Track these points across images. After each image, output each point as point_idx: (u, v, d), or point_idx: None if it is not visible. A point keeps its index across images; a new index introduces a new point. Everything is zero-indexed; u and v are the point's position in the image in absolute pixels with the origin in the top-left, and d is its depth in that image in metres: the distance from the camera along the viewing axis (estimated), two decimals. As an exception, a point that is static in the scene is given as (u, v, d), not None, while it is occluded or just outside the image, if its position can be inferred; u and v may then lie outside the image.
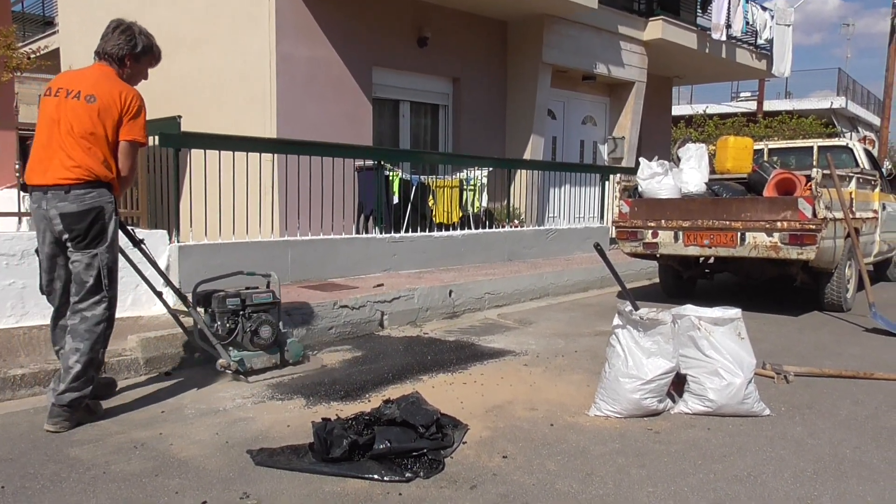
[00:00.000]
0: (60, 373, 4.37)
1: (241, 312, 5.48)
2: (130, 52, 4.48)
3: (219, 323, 5.46)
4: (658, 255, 8.83)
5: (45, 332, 6.03)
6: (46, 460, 3.77)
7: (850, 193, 8.37)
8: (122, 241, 4.77)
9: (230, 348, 5.36)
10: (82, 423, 4.33)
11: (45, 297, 4.63)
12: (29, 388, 4.89)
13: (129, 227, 5.06)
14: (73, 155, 4.27)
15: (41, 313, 6.38)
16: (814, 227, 7.35)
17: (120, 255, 4.75)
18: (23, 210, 8.41)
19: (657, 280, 9.95)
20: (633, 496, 3.36)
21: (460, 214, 11.13)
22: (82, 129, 4.27)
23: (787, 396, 4.98)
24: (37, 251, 4.55)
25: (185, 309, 5.37)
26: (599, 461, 3.78)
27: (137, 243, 4.98)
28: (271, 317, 5.56)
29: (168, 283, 5.22)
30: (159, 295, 5.23)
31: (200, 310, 5.49)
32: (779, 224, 7.55)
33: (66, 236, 4.33)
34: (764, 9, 17.66)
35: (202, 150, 7.86)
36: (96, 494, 3.35)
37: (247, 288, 5.68)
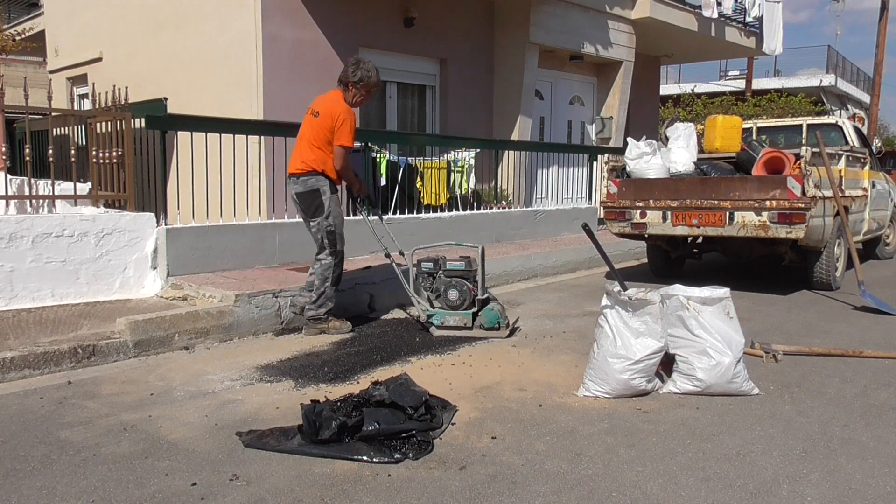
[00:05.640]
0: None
1: (435, 275, 6.46)
2: (350, 79, 6.15)
3: (417, 282, 6.55)
4: (646, 236, 8.83)
5: (35, 314, 6.06)
6: (37, 442, 3.76)
7: (840, 171, 8.39)
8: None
9: (429, 304, 6.46)
10: (325, 333, 6.19)
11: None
12: (18, 371, 4.87)
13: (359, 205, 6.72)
14: (304, 154, 6.12)
15: (30, 296, 6.38)
16: (803, 205, 7.36)
17: (365, 222, 6.77)
18: (10, 193, 8.37)
19: (646, 260, 9.96)
20: (622, 476, 3.37)
21: (448, 196, 11.10)
22: (311, 135, 6.09)
23: (776, 375, 5.00)
24: None
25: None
26: (588, 441, 3.79)
27: (368, 212, 6.76)
28: (466, 283, 6.34)
29: (391, 242, 6.71)
30: (387, 255, 6.56)
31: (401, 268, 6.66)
32: (768, 203, 7.55)
33: (301, 209, 6.21)
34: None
35: (189, 133, 7.81)
36: (87, 476, 3.35)
37: (446, 256, 6.60)
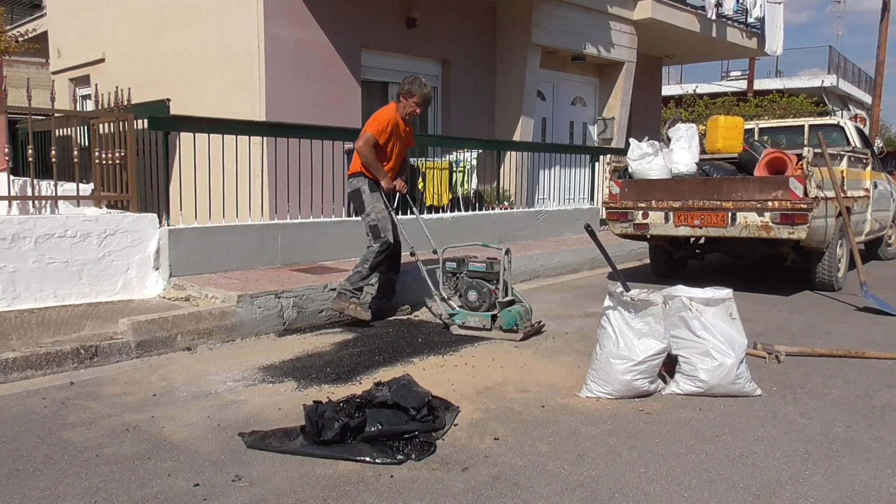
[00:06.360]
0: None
1: (458, 275, 6.54)
2: (401, 91, 6.69)
3: (441, 280, 6.62)
4: (648, 236, 8.83)
5: (37, 315, 6.06)
6: (39, 443, 3.76)
7: (842, 172, 8.39)
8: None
9: (455, 305, 6.52)
10: (345, 312, 6.53)
11: None
12: (21, 372, 4.87)
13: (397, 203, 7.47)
14: (354, 157, 6.74)
15: (32, 297, 6.38)
16: (805, 206, 7.35)
17: (392, 218, 6.83)
18: (13, 194, 8.38)
19: (648, 261, 9.95)
20: (625, 477, 3.37)
21: (450, 197, 11.10)
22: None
23: (779, 376, 5.00)
24: None
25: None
26: (591, 442, 3.79)
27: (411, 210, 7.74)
28: (487, 285, 6.34)
29: (426, 239, 7.00)
30: (412, 253, 6.78)
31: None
32: (770, 204, 7.55)
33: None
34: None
35: (191, 134, 7.81)
36: (89, 477, 3.35)
37: (475, 256, 6.70)
